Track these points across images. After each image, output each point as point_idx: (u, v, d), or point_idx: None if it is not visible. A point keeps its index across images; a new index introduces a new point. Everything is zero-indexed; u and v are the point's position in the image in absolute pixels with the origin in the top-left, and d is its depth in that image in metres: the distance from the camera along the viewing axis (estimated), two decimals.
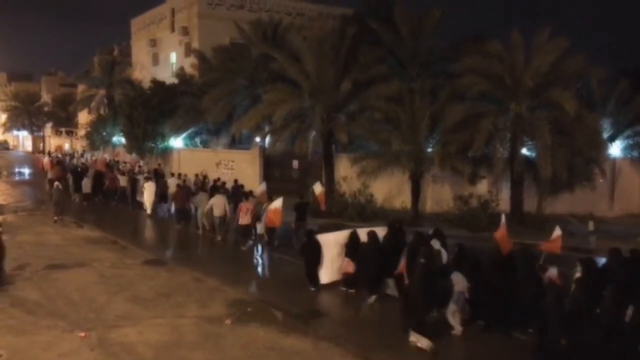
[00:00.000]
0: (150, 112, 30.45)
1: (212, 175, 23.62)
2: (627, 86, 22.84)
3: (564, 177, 18.34)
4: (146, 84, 34.32)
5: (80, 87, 53.26)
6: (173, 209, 20.46)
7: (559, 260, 10.96)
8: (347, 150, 22.61)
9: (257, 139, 26.95)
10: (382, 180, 21.14)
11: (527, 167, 19.38)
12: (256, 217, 15.71)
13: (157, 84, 32.05)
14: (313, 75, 21.67)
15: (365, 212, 20.45)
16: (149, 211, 21.33)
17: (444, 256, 11.40)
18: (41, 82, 79.52)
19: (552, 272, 9.16)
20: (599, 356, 8.07)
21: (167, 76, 36.15)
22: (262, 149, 26.39)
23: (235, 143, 30.04)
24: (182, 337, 9.54)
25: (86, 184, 23.88)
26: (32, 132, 75.20)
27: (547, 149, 17.92)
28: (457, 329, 9.70)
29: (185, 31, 38.36)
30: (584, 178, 19.94)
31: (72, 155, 42.59)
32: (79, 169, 27.90)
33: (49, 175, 28.09)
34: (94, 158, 37.91)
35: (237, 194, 18.34)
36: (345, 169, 22.60)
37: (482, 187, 20.49)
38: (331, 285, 12.24)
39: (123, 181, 24.62)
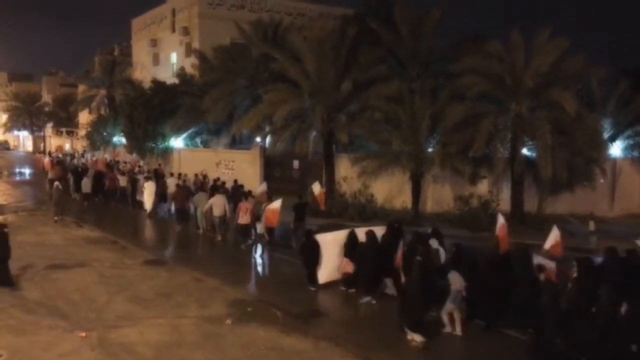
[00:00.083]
0: (151, 112, 30.44)
1: (212, 175, 23.62)
2: (627, 86, 22.84)
3: (564, 177, 18.33)
4: (147, 84, 34.30)
5: (81, 87, 53.26)
6: (173, 209, 20.51)
7: (558, 258, 10.97)
8: (348, 150, 22.62)
9: (258, 139, 26.96)
10: (382, 181, 21.16)
11: (527, 167, 19.37)
12: (256, 217, 15.75)
13: (158, 84, 32.05)
14: (313, 75, 21.68)
15: (366, 212, 20.47)
16: (149, 211, 21.36)
17: (442, 255, 11.43)
18: (42, 82, 79.43)
19: (550, 267, 9.19)
20: (595, 355, 8.10)
21: (168, 76, 36.19)
22: (263, 149, 26.39)
23: (236, 143, 30.04)
24: (182, 337, 9.55)
25: (86, 184, 23.87)
26: (32, 132, 75.17)
27: (547, 149, 17.92)
28: (457, 329, 9.70)
29: (186, 31, 38.40)
30: (585, 178, 19.92)
31: (72, 156, 42.58)
32: (80, 169, 27.95)
33: (50, 176, 28.08)
34: (94, 158, 37.89)
35: (237, 193, 18.39)
36: (345, 169, 22.62)
37: (483, 187, 20.48)
38: (331, 285, 12.26)
39: (123, 181, 24.68)
